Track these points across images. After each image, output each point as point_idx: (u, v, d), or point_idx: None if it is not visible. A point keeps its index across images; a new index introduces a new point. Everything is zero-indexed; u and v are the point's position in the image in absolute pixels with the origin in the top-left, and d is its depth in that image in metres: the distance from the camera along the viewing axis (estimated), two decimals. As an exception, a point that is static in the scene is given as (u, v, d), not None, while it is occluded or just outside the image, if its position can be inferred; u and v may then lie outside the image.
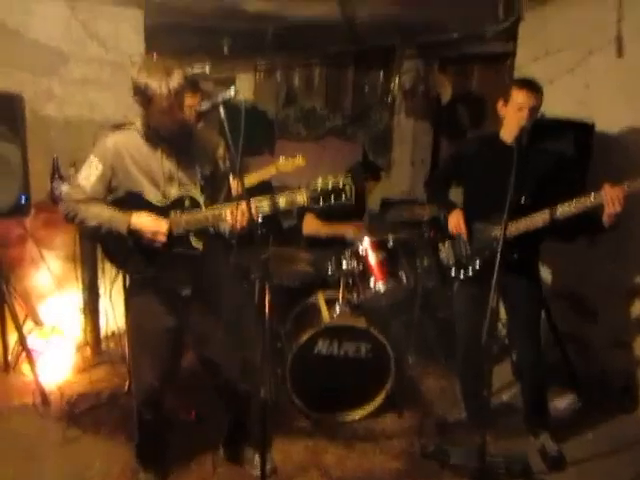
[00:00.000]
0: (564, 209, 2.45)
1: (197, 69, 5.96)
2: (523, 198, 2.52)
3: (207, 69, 5.93)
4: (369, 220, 4.57)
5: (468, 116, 5.05)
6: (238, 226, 2.11)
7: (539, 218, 2.51)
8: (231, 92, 1.95)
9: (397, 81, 4.82)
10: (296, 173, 3.47)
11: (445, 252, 2.85)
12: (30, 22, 3.62)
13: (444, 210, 2.88)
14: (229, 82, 7.36)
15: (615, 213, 2.33)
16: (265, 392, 1.96)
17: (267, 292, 1.99)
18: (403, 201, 5.06)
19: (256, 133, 5.93)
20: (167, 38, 4.65)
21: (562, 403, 3.28)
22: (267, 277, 2.04)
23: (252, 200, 2.10)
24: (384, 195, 5.36)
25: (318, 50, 4.94)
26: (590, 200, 2.38)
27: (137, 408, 2.44)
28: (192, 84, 3.20)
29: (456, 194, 3.01)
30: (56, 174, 3.47)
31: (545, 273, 3.50)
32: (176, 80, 2.04)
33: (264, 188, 3.58)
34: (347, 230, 3.70)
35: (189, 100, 3.13)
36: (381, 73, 5.19)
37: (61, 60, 3.76)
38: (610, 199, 2.31)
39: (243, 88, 6.93)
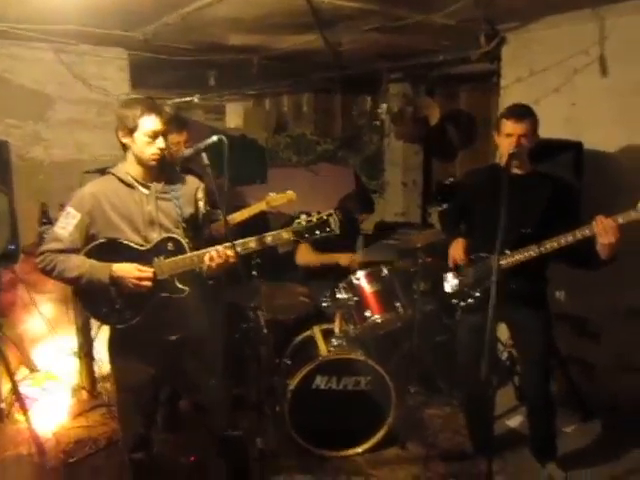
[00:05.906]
0: (552, 244, 2.37)
1: (185, 99, 6.01)
2: (527, 228, 2.45)
3: (195, 98, 5.97)
4: (363, 244, 4.56)
5: (458, 135, 5.05)
6: (214, 266, 2.10)
7: (528, 252, 2.45)
8: (214, 138, 1.97)
9: (385, 105, 4.84)
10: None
11: (448, 280, 2.81)
12: (16, 67, 3.62)
13: (449, 240, 2.84)
14: (218, 110, 7.41)
15: (609, 243, 2.22)
16: (261, 442, 1.92)
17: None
18: (397, 224, 5.05)
19: (247, 162, 5.95)
20: (152, 74, 4.66)
21: (569, 427, 3.22)
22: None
23: (239, 241, 2.13)
24: (378, 217, 5.35)
25: (305, 77, 4.96)
26: (582, 232, 2.28)
27: (128, 455, 2.38)
28: (177, 122, 3.20)
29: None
30: (44, 218, 3.44)
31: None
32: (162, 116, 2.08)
33: (257, 217, 3.58)
34: (340, 258, 3.69)
35: (175, 137, 3.13)
36: (368, 97, 5.23)
37: (47, 103, 3.75)
38: (603, 230, 2.21)
39: (232, 116, 6.97)
